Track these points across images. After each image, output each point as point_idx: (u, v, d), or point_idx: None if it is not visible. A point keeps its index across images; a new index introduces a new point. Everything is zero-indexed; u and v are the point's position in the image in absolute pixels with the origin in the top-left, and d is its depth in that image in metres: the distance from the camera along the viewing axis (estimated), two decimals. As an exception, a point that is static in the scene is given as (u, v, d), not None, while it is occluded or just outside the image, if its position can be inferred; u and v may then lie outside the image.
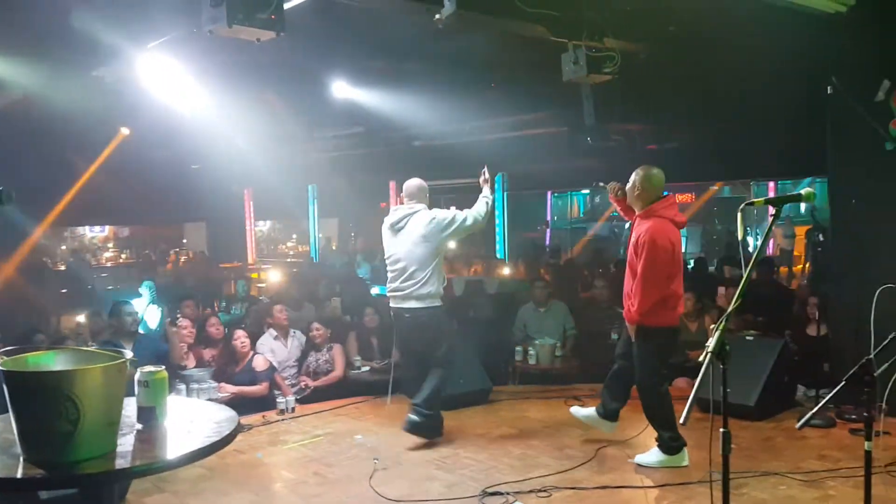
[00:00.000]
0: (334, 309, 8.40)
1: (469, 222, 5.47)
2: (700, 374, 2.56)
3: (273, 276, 9.37)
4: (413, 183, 5.64)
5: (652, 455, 4.92)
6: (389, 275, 5.60)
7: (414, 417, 5.40)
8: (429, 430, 5.46)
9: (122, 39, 6.40)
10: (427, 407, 5.41)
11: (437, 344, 5.52)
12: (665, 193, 4.94)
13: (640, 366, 4.95)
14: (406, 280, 5.43)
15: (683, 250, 7.45)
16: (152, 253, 18.09)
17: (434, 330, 5.51)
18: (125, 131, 11.02)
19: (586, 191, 18.01)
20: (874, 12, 5.69)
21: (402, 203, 5.71)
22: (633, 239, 4.88)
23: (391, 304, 5.59)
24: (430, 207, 5.56)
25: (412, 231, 5.45)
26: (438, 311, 5.51)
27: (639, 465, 4.92)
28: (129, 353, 2.25)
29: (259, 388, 6.39)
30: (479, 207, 5.52)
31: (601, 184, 5.26)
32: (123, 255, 18.61)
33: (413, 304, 5.42)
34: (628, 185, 4.91)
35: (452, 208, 5.72)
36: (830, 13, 5.64)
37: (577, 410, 5.53)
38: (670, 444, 4.85)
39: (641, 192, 4.84)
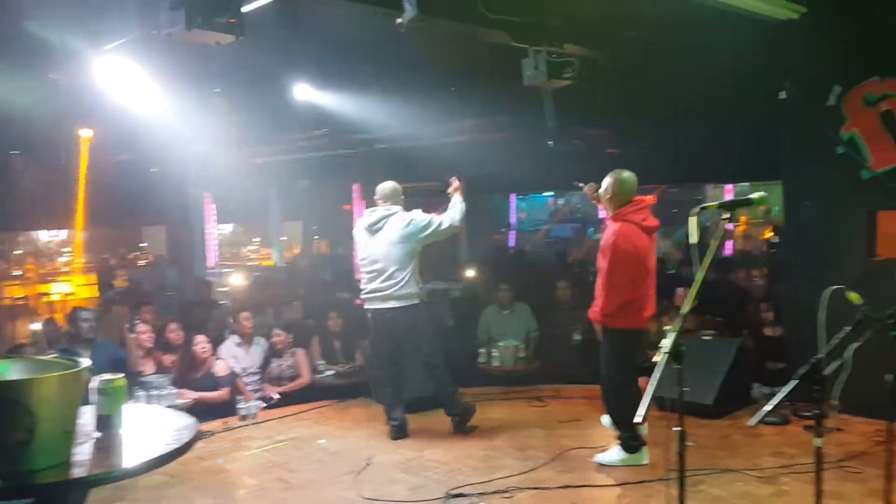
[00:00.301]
0: (295, 311, 8.36)
1: (445, 226, 5.62)
2: (656, 374, 2.61)
3: (235, 280, 9.28)
4: (387, 185, 5.73)
5: (613, 454, 4.98)
6: (366, 276, 5.65)
7: (455, 421, 5.78)
8: (467, 420, 5.81)
9: (79, 41, 6.28)
10: (456, 407, 5.76)
11: (420, 343, 5.67)
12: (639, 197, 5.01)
13: (604, 365, 5.02)
14: (386, 280, 5.53)
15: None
16: (111, 257, 17.77)
17: (416, 329, 5.64)
18: (86, 133, 10.83)
19: (550, 193, 18.17)
20: (826, 19, 5.83)
21: (375, 205, 5.76)
22: (602, 240, 4.97)
23: (370, 306, 5.65)
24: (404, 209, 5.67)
25: (390, 232, 5.54)
26: (419, 310, 5.64)
27: (600, 464, 4.97)
28: (86, 361, 2.23)
29: (220, 394, 6.33)
30: (454, 213, 5.67)
31: (580, 185, 5.31)
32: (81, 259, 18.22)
33: (394, 303, 5.53)
34: (601, 189, 4.97)
35: (418, 211, 5.75)
36: (783, 20, 5.78)
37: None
38: (630, 442, 4.91)
39: (613, 195, 4.89)
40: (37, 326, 6.16)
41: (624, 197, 4.87)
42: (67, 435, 2.11)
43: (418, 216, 5.63)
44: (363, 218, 5.74)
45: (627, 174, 4.91)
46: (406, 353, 5.75)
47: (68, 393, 2.11)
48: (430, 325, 5.89)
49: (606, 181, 4.91)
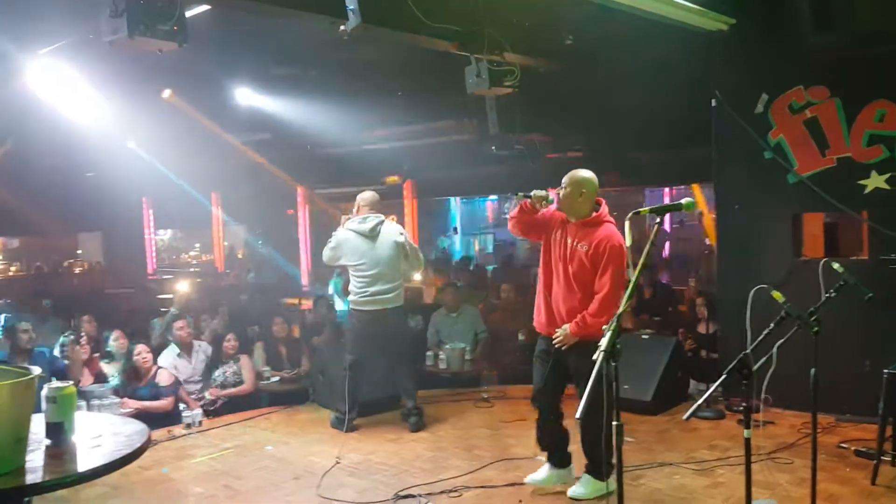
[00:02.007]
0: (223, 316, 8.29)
1: (420, 256, 6.20)
2: (594, 372, 2.73)
3: (181, 287, 9.14)
4: (370, 194, 6.07)
5: (586, 485, 4.47)
6: (364, 279, 5.85)
7: (415, 419, 5.96)
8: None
9: (10, 45, 6.14)
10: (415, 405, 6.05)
11: (405, 342, 6.18)
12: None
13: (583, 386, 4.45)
14: (386, 283, 5.84)
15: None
16: (44, 265, 17.24)
17: (404, 329, 6.19)
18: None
19: (494, 197, 18.37)
20: (753, 30, 6.11)
21: (359, 212, 5.99)
22: (578, 248, 4.36)
23: (368, 308, 5.85)
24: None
25: (387, 238, 5.86)
26: (405, 312, 6.22)
27: (574, 499, 4.46)
28: (36, 369, 2.22)
29: (163, 403, 6.25)
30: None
31: (521, 193, 4.62)
32: (13, 268, 17.64)
33: (391, 305, 5.88)
34: (564, 192, 4.42)
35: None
36: (713, 31, 6.03)
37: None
38: (607, 469, 4.17)
39: (585, 195, 4.38)
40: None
41: (594, 197, 4.42)
42: (20, 442, 2.10)
43: (406, 235, 6.06)
44: (357, 225, 5.89)
45: (591, 172, 4.46)
46: (391, 353, 6.01)
47: (20, 401, 2.11)
48: (407, 326, 6.34)
49: (570, 182, 4.38)
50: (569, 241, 4.40)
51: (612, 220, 4.44)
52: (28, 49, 6.30)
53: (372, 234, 5.86)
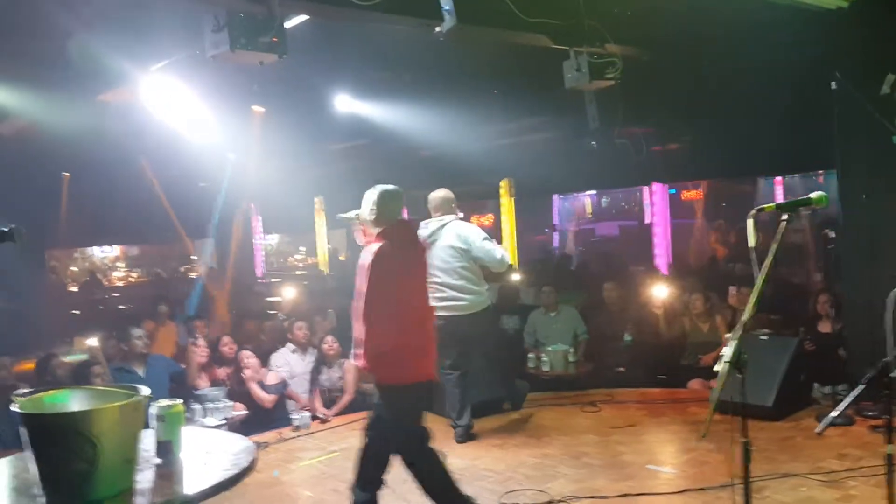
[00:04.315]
0: (331, 319, 8.38)
1: (498, 256, 5.62)
2: (719, 386, 2.54)
3: (287, 293, 9.36)
4: (437, 195, 5.76)
5: None
6: (433, 286, 5.59)
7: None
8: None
9: (125, 63, 6.44)
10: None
11: (487, 347, 5.91)
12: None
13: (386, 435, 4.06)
14: (447, 290, 5.60)
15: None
16: (162, 271, 18.15)
17: (482, 334, 5.79)
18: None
19: (593, 192, 18.00)
20: (876, 7, 5.68)
21: (428, 216, 5.81)
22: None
23: (445, 314, 5.64)
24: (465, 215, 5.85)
25: (445, 244, 5.60)
26: (483, 317, 5.76)
27: None
28: (145, 389, 2.25)
29: (269, 396, 6.41)
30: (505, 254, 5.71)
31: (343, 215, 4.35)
32: (135, 275, 18.68)
33: (458, 312, 5.62)
34: (362, 208, 4.06)
35: (475, 228, 5.80)
36: (832, 9, 5.62)
37: None
38: None
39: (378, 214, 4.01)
40: (93, 342, 6.26)
41: (391, 215, 4.00)
42: (129, 463, 2.14)
43: (474, 236, 5.58)
44: (420, 230, 5.74)
45: (394, 188, 4.05)
46: (473, 358, 5.84)
47: (129, 421, 2.14)
48: (498, 328, 5.99)
49: (368, 198, 4.01)
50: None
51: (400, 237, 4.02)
52: (140, 66, 6.60)
53: (431, 240, 5.62)
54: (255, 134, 9.85)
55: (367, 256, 3.84)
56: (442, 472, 3.97)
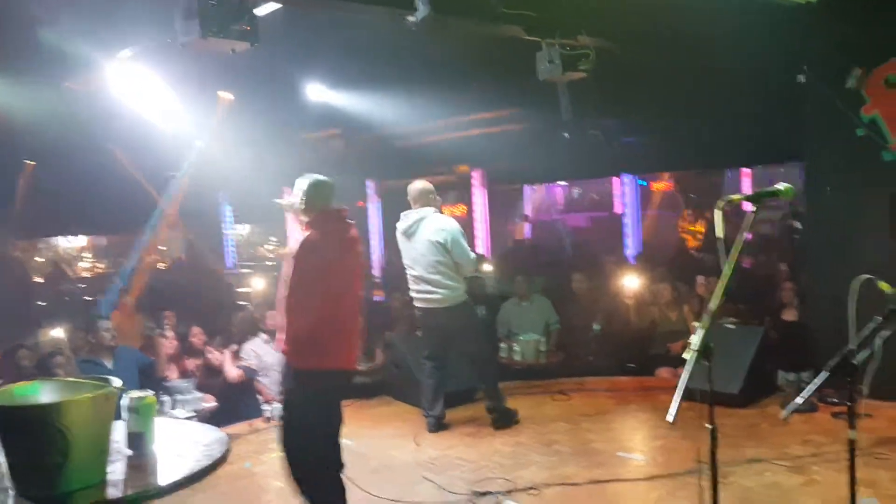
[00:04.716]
0: None
1: (472, 257, 5.64)
2: (686, 373, 2.59)
3: (258, 284, 9.29)
4: (416, 186, 5.71)
5: None
6: (409, 279, 5.74)
7: (494, 417, 5.80)
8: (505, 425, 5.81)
9: (92, 49, 6.32)
10: (496, 404, 5.81)
11: (467, 339, 5.75)
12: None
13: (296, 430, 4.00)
14: (425, 284, 5.60)
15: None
16: (128, 262, 17.86)
17: (462, 326, 5.69)
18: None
19: (564, 183, 18.06)
20: (843, 2, 5.77)
21: (408, 207, 5.76)
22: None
23: (417, 304, 5.77)
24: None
25: (423, 237, 5.56)
26: (462, 308, 5.69)
27: None
28: (116, 381, 2.23)
29: (237, 371, 6.46)
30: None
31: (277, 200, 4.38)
32: (101, 265, 18.37)
33: (437, 305, 5.62)
34: (294, 197, 4.07)
35: (453, 223, 5.72)
36: (801, 3, 5.71)
37: None
38: None
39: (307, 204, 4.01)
40: (58, 333, 6.16)
41: (320, 204, 3.99)
42: (101, 455, 2.12)
43: (453, 233, 5.54)
44: (399, 222, 5.78)
45: (324, 178, 4.07)
46: (453, 349, 5.83)
47: (101, 413, 2.13)
48: (475, 322, 5.89)
49: (299, 187, 4.03)
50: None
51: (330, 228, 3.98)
52: (108, 53, 6.48)
53: (408, 233, 5.63)
54: (224, 122, 9.73)
55: (294, 245, 3.88)
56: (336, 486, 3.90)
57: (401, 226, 5.72)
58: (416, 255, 5.60)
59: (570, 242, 14.36)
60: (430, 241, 5.54)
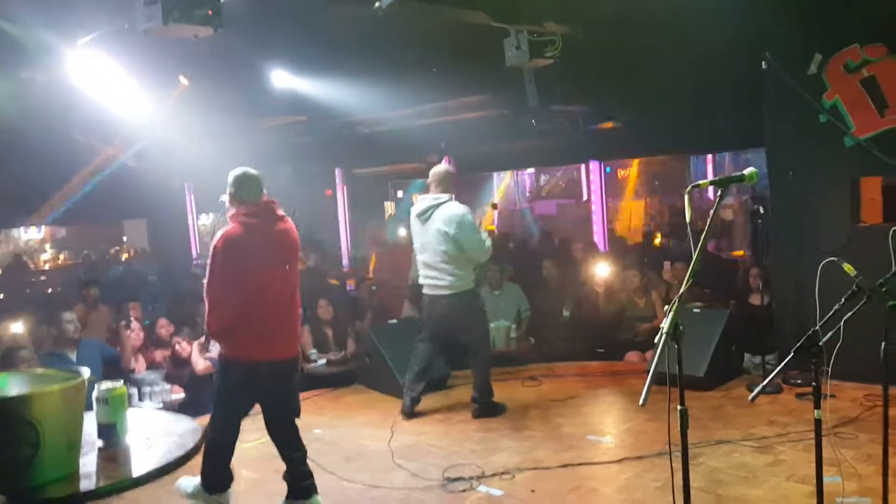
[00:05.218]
0: None
1: (487, 246, 5.63)
2: (656, 355, 2.62)
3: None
4: (439, 169, 5.78)
5: (191, 485, 4.04)
6: (419, 264, 5.76)
7: (475, 406, 5.76)
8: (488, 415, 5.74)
9: (50, 37, 6.15)
10: (482, 396, 5.74)
11: (468, 328, 5.72)
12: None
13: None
14: (433, 270, 5.61)
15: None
16: (92, 253, 17.56)
17: (463, 316, 5.68)
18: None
19: (531, 170, 18.14)
20: (803, -12, 5.85)
21: (427, 191, 5.79)
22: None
23: (427, 292, 5.77)
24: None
25: (435, 224, 5.56)
26: (467, 298, 5.67)
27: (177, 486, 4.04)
28: (85, 371, 2.19)
29: (205, 363, 6.35)
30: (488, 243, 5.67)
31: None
32: (62, 257, 18.02)
33: (443, 291, 5.62)
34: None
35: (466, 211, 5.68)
36: (762, -10, 5.77)
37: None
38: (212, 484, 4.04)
39: (230, 197, 4.09)
40: (18, 327, 6.00)
41: (246, 197, 4.02)
42: (73, 447, 2.08)
43: (465, 221, 5.52)
44: (414, 206, 5.81)
45: (250, 171, 4.11)
46: (451, 337, 5.82)
47: (71, 404, 2.09)
48: (478, 313, 5.83)
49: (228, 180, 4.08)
50: None
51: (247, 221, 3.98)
52: (66, 40, 6.31)
53: (423, 217, 5.64)
54: (186, 109, 9.57)
55: (217, 237, 3.93)
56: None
57: (415, 209, 5.75)
58: (426, 241, 5.63)
59: (539, 230, 14.44)
60: (438, 230, 5.54)
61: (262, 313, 3.88)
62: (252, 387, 3.97)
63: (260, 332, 3.88)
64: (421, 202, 5.72)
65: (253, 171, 4.05)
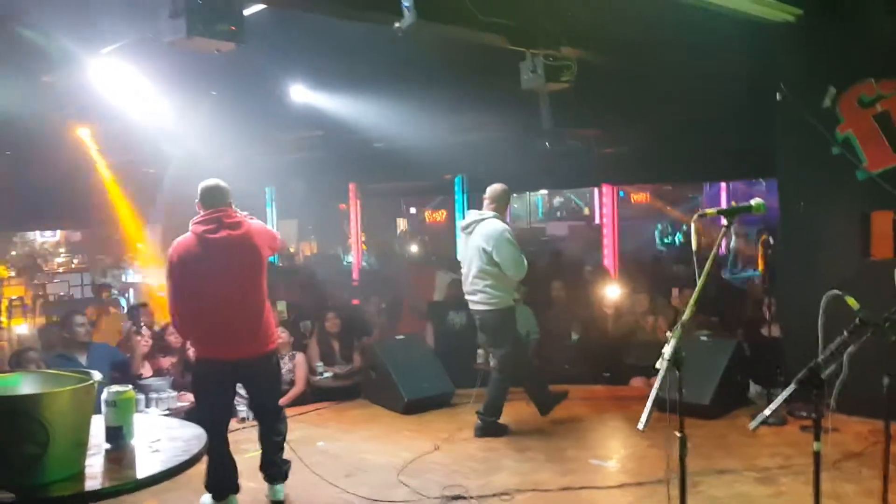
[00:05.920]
0: (280, 314, 8.31)
1: (521, 266, 5.65)
2: (658, 381, 2.64)
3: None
4: (496, 187, 5.87)
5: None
6: (463, 276, 5.88)
7: (477, 424, 5.79)
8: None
9: (73, 44, 6.27)
10: (487, 413, 5.78)
11: (498, 344, 5.84)
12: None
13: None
14: (470, 284, 5.73)
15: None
16: (106, 257, 17.69)
17: (495, 331, 5.82)
18: (85, 133, 10.81)
19: (543, 192, 18.20)
20: (821, 21, 5.88)
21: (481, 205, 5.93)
22: None
23: (470, 307, 5.92)
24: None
25: (476, 239, 5.68)
26: (500, 315, 5.72)
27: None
28: (97, 374, 2.24)
29: None
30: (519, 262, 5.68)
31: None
32: (76, 260, 18.15)
33: (480, 306, 5.75)
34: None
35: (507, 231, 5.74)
36: (780, 23, 5.82)
37: None
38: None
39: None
40: (29, 330, 6.08)
41: (204, 206, 4.27)
42: (79, 447, 2.13)
43: (502, 238, 5.57)
44: (463, 220, 5.99)
45: (214, 182, 4.33)
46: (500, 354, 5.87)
47: (80, 406, 2.13)
48: (509, 330, 5.85)
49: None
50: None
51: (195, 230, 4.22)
52: (90, 48, 6.43)
53: (466, 231, 5.81)
54: (205, 121, 9.70)
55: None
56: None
57: (463, 223, 5.93)
58: (468, 255, 5.76)
59: (549, 251, 14.44)
60: (477, 246, 5.66)
61: (211, 315, 4.17)
62: (210, 384, 4.32)
63: (209, 332, 4.22)
64: (468, 217, 5.89)
65: (219, 183, 4.33)
